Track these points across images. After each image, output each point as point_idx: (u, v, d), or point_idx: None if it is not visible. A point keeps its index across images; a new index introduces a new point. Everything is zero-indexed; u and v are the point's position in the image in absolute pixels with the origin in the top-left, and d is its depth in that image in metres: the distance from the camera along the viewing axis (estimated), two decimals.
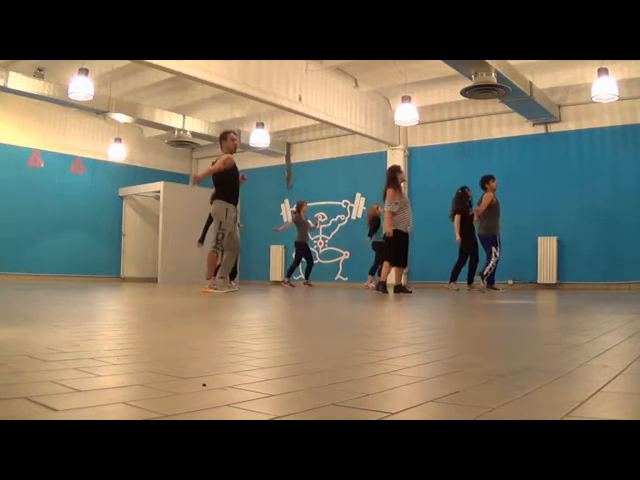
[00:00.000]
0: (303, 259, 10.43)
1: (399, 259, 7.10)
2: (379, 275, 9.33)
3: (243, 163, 13.27)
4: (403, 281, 7.59)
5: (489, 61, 6.97)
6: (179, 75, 7.59)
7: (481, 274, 7.74)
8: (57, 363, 1.34)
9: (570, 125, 9.55)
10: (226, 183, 6.39)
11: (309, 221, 10.61)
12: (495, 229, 7.96)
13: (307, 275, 10.52)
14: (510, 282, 9.62)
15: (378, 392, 1.09)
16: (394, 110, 9.79)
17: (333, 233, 12.11)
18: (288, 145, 12.85)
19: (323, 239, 12.26)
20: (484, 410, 0.91)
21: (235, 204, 6.46)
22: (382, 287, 6.97)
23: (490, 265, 7.78)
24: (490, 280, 7.86)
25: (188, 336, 2.13)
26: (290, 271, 10.51)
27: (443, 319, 3.55)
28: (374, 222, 9.47)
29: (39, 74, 9.26)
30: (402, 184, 7.13)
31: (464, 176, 9.17)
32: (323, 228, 12.24)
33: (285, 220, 12.19)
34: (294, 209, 10.83)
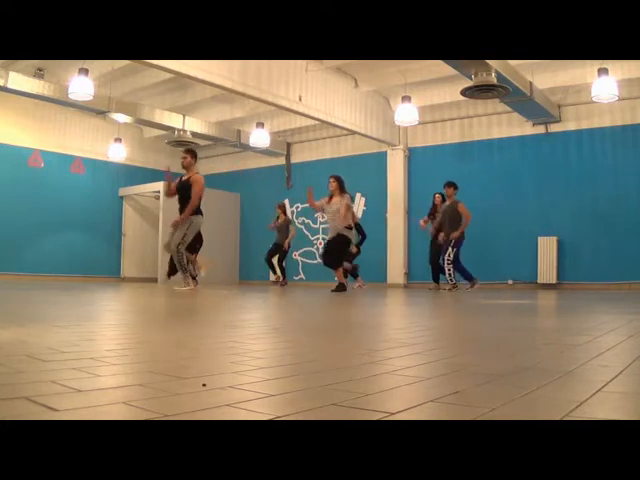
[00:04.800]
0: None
1: None
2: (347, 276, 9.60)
3: (243, 163, 13.32)
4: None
5: (489, 61, 6.96)
6: (179, 75, 7.59)
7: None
8: (57, 363, 1.34)
9: (570, 125, 9.54)
10: None
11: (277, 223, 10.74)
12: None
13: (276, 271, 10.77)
14: (510, 282, 9.62)
15: (378, 392, 1.09)
16: (394, 110, 9.79)
17: None
18: (288, 145, 12.85)
19: (323, 239, 12.26)
20: (484, 410, 0.91)
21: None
22: (339, 287, 7.41)
23: None
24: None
25: (188, 336, 2.13)
26: (282, 271, 10.69)
27: (442, 319, 3.54)
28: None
29: (39, 74, 9.25)
30: (333, 194, 7.55)
31: (464, 176, 9.17)
32: (323, 228, 12.24)
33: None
34: (279, 211, 10.91)
